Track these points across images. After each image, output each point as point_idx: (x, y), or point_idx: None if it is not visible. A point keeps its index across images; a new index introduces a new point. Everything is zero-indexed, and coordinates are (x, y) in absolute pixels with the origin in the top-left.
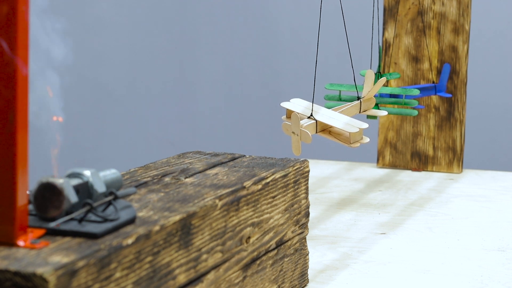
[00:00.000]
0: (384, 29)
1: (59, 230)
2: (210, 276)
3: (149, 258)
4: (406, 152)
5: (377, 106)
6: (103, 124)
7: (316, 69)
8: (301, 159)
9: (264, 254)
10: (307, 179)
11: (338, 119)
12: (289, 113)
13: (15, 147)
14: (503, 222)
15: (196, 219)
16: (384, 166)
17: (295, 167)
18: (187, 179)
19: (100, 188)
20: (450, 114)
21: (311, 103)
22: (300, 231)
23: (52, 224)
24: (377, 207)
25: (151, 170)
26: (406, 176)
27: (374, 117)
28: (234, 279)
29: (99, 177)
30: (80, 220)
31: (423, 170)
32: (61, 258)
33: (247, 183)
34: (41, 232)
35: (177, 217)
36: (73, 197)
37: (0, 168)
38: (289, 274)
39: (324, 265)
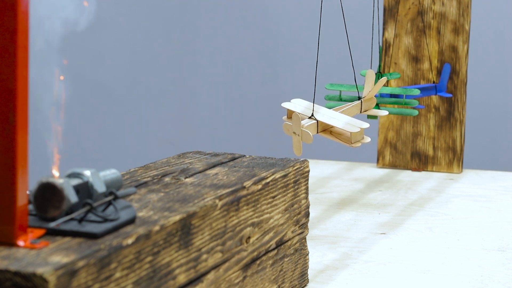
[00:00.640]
0: (384, 29)
1: (59, 230)
2: (210, 276)
3: (149, 258)
4: (406, 152)
5: (377, 106)
6: (103, 124)
7: (316, 69)
8: (301, 159)
9: (264, 254)
10: (307, 179)
11: (339, 119)
12: (290, 114)
13: (15, 147)
14: (503, 222)
15: (196, 219)
16: (384, 166)
17: (295, 167)
18: (187, 179)
19: (100, 188)
20: (450, 114)
21: (312, 103)
22: (300, 231)
23: (52, 224)
24: (377, 207)
25: (151, 170)
26: (406, 176)
27: (375, 117)
28: (234, 279)
29: (99, 177)
30: (80, 220)
31: (423, 170)
32: (61, 258)
33: (247, 183)
34: (41, 232)
35: (177, 217)
36: (73, 197)
37: (0, 168)
38: (289, 274)
39: (324, 265)
